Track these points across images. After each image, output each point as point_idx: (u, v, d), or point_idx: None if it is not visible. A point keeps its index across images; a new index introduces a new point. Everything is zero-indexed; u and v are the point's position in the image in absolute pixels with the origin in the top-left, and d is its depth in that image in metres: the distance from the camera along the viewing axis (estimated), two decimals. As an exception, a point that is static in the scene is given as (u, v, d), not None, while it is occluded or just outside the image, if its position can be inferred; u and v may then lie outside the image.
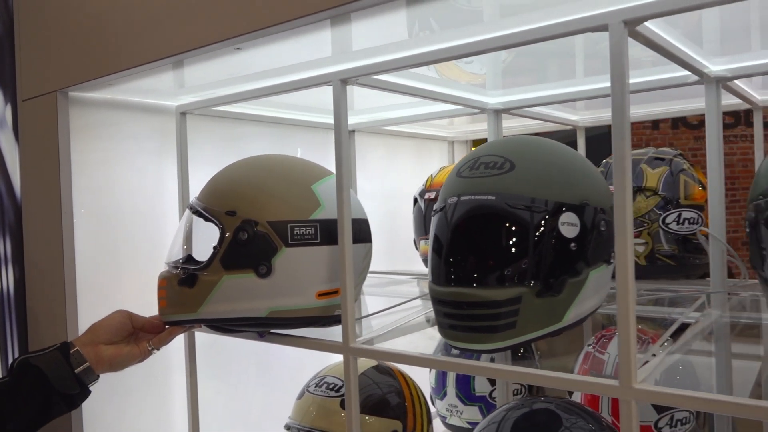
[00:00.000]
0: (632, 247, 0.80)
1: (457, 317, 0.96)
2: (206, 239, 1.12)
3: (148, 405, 1.48)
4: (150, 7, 1.20)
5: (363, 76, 1.07)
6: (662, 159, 1.48)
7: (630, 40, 0.80)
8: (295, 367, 1.63)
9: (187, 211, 1.19)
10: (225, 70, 1.26)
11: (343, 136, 1.06)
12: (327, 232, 1.11)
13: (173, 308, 1.13)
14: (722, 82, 1.21)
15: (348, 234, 1.06)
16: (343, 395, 1.30)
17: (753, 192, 0.87)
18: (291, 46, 1.09)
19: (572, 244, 0.96)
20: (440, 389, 1.78)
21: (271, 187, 1.11)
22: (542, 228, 0.95)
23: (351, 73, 1.07)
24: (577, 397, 1.54)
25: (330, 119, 1.08)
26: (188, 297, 1.10)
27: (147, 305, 1.20)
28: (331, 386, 1.34)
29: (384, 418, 1.30)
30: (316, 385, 1.36)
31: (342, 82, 1.06)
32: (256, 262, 1.08)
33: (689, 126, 6.33)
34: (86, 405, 1.21)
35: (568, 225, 0.96)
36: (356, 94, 1.51)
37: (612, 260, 1.01)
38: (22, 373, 1.05)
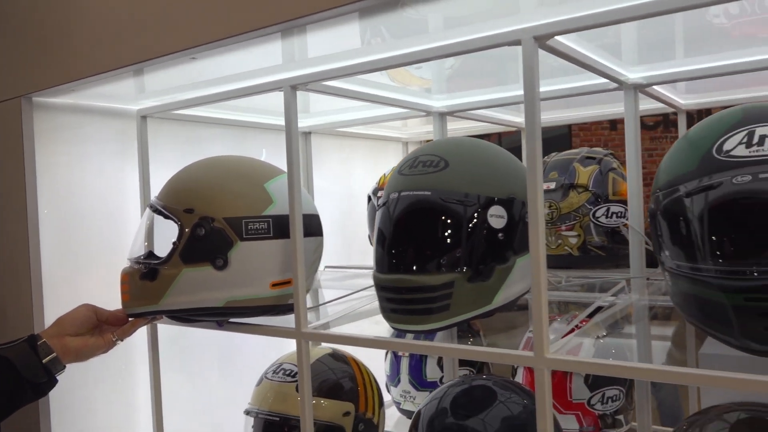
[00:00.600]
0: (543, 235, 0.91)
1: (397, 301, 1.07)
2: (165, 236, 1.20)
3: (114, 394, 1.55)
4: (111, 18, 1.27)
5: (313, 82, 1.17)
6: (593, 158, 1.61)
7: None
8: (255, 358, 1.71)
9: (148, 210, 1.27)
10: (184, 77, 1.33)
11: (294, 138, 1.15)
12: (279, 227, 1.20)
13: (136, 301, 1.21)
14: (640, 89, 1.34)
15: (299, 228, 1.16)
16: (297, 381, 1.39)
17: (654, 186, 0.99)
18: (245, 56, 1.18)
19: (500, 234, 1.07)
20: (394, 377, 1.89)
21: (226, 185, 1.20)
22: (473, 220, 1.06)
23: (301, 79, 1.16)
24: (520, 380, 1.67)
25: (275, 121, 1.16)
26: (150, 290, 1.18)
27: (110, 300, 1.27)
28: (287, 372, 1.43)
29: (337, 401, 1.39)
30: (274, 371, 1.45)
31: (292, 88, 1.16)
32: (213, 255, 1.16)
33: (646, 127, 6.58)
34: (54, 395, 1.28)
35: (497, 217, 1.07)
36: (312, 98, 1.60)
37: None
38: None
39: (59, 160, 1.48)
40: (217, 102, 1.35)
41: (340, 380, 1.44)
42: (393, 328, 1.10)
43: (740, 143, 0.84)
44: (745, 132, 0.85)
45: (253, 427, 1.43)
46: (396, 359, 1.89)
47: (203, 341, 1.72)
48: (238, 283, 1.17)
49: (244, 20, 1.05)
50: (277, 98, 1.23)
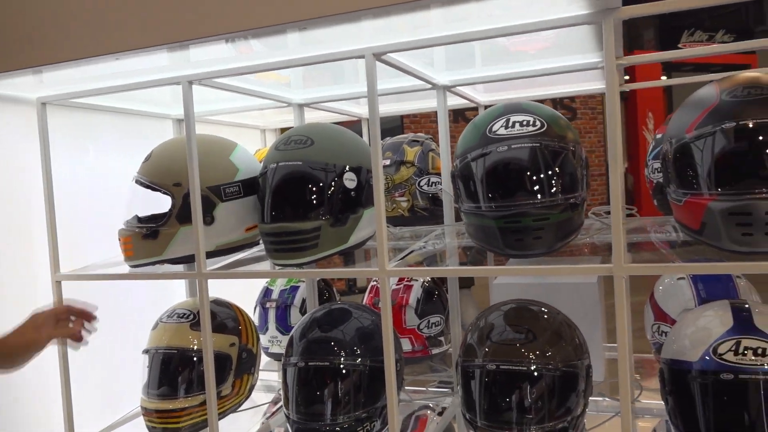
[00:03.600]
0: (383, 194, 1.34)
1: (278, 243, 1.45)
2: (152, 203, 1.57)
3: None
4: (15, 21, 1.47)
5: (205, 79, 1.50)
6: (418, 141, 2.09)
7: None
8: (147, 311, 1.95)
9: (134, 185, 1.57)
10: (85, 73, 1.57)
11: (191, 123, 1.48)
12: (247, 188, 1.59)
13: (140, 255, 1.56)
14: (448, 89, 1.83)
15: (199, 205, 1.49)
16: (191, 320, 1.71)
17: (454, 156, 1.46)
18: (141, 59, 1.46)
19: (352, 193, 1.48)
20: (263, 326, 2.24)
21: (203, 161, 1.53)
22: (333, 182, 1.46)
23: (195, 77, 1.48)
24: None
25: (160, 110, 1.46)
26: (153, 245, 1.54)
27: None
28: (181, 315, 1.73)
29: (224, 334, 1.73)
30: (168, 316, 1.75)
31: (189, 82, 1.48)
32: (202, 215, 1.52)
33: (467, 119, 7.50)
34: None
35: (350, 180, 1.49)
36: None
37: (378, 204, 1.56)
38: None
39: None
40: (114, 93, 1.62)
41: (224, 320, 1.77)
42: (275, 264, 1.47)
43: (501, 126, 1.34)
44: (504, 118, 1.35)
45: (150, 364, 1.71)
46: (264, 311, 2.25)
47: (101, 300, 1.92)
48: (223, 232, 1.58)
49: (138, 39, 1.34)
50: (159, 92, 1.51)
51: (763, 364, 1.15)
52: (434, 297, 2.13)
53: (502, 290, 1.88)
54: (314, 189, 1.46)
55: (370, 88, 1.31)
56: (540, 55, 1.69)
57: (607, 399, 1.66)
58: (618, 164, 1.17)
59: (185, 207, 1.52)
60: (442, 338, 2.13)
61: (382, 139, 2.12)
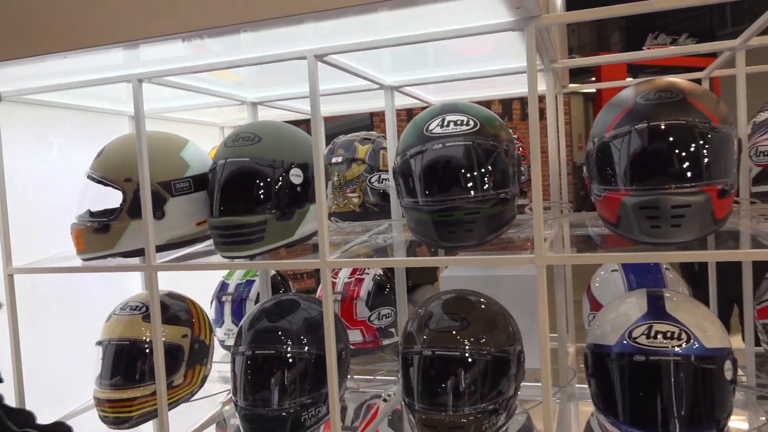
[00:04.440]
0: (324, 189, 1.41)
1: (225, 236, 1.50)
2: (105, 198, 1.61)
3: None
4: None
5: (156, 77, 1.54)
6: (369, 139, 2.16)
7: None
8: (99, 304, 1.98)
9: (86, 181, 1.61)
10: (39, 70, 1.61)
11: (141, 120, 1.52)
12: (197, 183, 1.64)
13: (92, 249, 1.60)
14: (395, 89, 1.90)
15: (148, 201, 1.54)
16: (143, 312, 1.76)
17: (396, 153, 1.53)
18: (93, 57, 1.50)
19: (298, 188, 1.55)
20: (219, 319, 2.29)
21: (153, 157, 1.57)
22: (280, 178, 1.52)
23: (146, 75, 1.53)
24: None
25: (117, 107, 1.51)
26: (104, 239, 1.59)
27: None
28: (133, 307, 1.78)
29: (176, 326, 1.78)
30: (121, 308, 1.79)
31: (139, 81, 1.52)
32: (152, 209, 1.56)
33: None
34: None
35: (296, 176, 1.55)
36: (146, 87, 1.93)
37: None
38: None
39: None
40: (69, 89, 1.65)
41: (177, 312, 1.82)
42: (224, 257, 1.53)
43: (437, 125, 1.41)
44: (441, 118, 1.42)
45: (103, 355, 1.75)
46: (220, 304, 2.30)
47: (55, 296, 1.96)
48: (173, 227, 1.63)
49: (91, 38, 1.38)
50: (114, 88, 1.57)
51: (671, 347, 1.25)
52: (386, 290, 2.20)
53: (449, 282, 1.96)
54: (261, 184, 1.51)
55: (312, 88, 1.38)
56: (486, 57, 1.78)
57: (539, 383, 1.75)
58: (537, 163, 1.25)
59: (136, 202, 1.57)
60: (393, 330, 2.21)
61: (347, 135, 2.23)
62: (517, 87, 2.15)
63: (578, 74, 11.04)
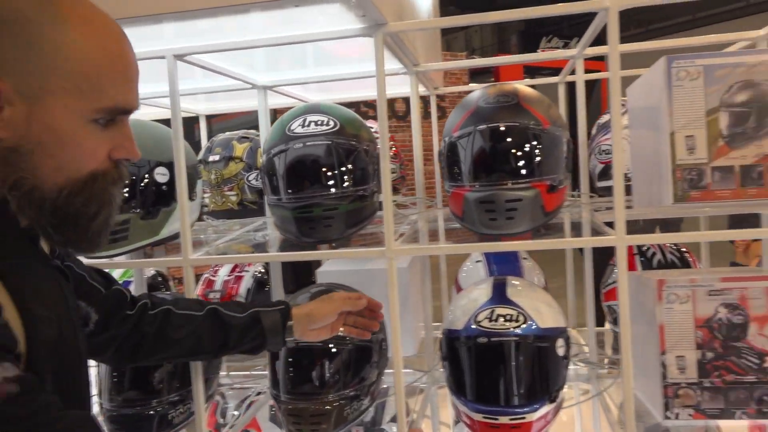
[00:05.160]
0: (185, 188, 1.43)
1: (88, 236, 1.48)
2: None
3: None
4: None
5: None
6: (247, 138, 2.18)
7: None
8: None
9: None
10: None
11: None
12: None
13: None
14: (269, 89, 1.94)
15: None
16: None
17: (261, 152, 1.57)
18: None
19: (164, 187, 1.55)
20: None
21: None
22: (145, 177, 1.52)
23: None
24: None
25: None
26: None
27: None
28: None
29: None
30: None
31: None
32: None
33: (398, 117, 7.76)
34: None
35: (161, 175, 1.55)
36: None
37: (194, 197, 1.64)
38: (252, 322, 1.28)
39: None
40: None
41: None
42: (86, 257, 1.51)
43: (299, 125, 1.46)
44: (302, 118, 1.48)
45: None
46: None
47: None
48: None
49: None
50: None
51: (511, 328, 1.37)
52: (266, 287, 2.23)
53: (325, 277, 2.03)
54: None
55: (172, 87, 1.39)
56: (359, 59, 1.85)
57: (410, 369, 1.86)
58: (386, 160, 1.34)
59: None
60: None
61: (224, 133, 2.23)
62: (396, 88, 2.24)
63: (480, 74, 11.48)
